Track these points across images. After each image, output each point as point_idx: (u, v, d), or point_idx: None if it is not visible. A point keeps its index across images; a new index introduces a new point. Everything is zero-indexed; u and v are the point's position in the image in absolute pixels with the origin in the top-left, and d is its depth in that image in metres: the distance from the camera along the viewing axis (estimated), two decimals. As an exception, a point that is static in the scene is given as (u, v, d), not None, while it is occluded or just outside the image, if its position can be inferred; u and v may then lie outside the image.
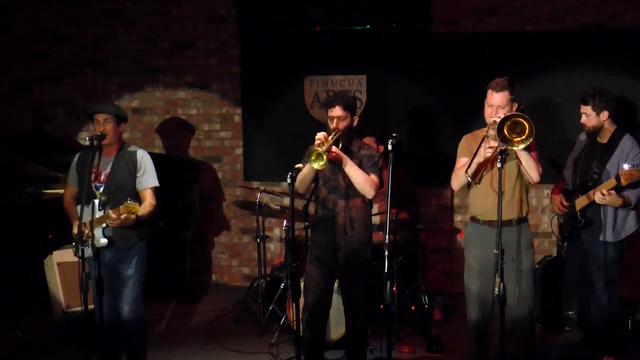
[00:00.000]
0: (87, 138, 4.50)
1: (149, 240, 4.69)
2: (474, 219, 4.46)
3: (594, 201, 4.75)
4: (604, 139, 4.89)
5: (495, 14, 6.52)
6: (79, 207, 4.58)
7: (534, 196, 6.43)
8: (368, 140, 5.36)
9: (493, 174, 4.21)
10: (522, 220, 4.38)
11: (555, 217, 5.26)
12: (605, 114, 4.83)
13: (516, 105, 4.29)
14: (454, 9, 6.55)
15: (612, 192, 4.61)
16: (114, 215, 4.34)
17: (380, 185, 4.45)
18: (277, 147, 6.96)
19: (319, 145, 4.23)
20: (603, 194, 4.61)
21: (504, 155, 4.03)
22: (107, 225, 4.45)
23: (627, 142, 4.82)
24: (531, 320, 4.44)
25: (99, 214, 4.44)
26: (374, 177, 4.42)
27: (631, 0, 6.27)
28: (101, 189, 4.50)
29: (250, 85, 6.99)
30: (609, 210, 4.79)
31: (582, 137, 5.09)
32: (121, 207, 4.32)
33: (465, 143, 4.46)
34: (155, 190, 4.63)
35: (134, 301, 4.57)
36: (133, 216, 4.36)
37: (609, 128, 4.87)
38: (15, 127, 7.24)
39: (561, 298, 5.63)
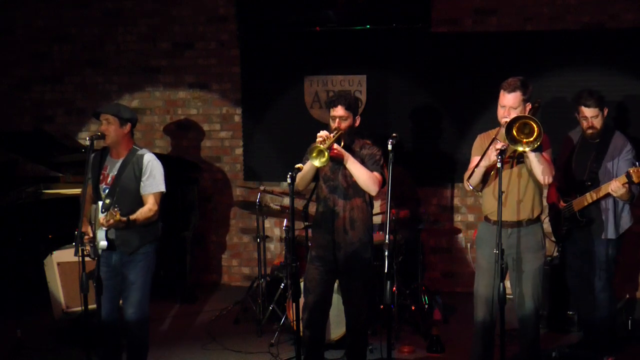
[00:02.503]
0: (88, 138, 4.50)
1: (157, 244, 4.66)
2: (486, 218, 4.47)
3: (595, 200, 4.76)
4: (595, 137, 4.90)
5: (495, 14, 6.52)
6: (93, 206, 4.58)
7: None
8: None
9: (505, 175, 4.20)
10: (533, 221, 4.36)
11: (547, 218, 5.25)
12: (606, 110, 4.86)
13: (530, 105, 4.28)
14: (454, 9, 6.55)
15: (626, 185, 4.61)
16: (101, 220, 4.34)
17: (383, 183, 4.45)
18: (277, 147, 6.96)
19: (320, 142, 4.23)
20: (614, 189, 4.61)
21: (503, 154, 4.03)
22: (109, 228, 4.44)
23: (618, 138, 4.86)
24: (536, 320, 4.44)
25: (101, 216, 4.43)
26: (376, 173, 4.42)
27: (631, 0, 6.27)
28: (106, 191, 4.50)
29: (250, 85, 6.99)
30: (609, 207, 4.80)
31: (571, 137, 5.10)
32: (107, 213, 4.31)
33: (480, 142, 4.46)
34: (161, 195, 4.59)
35: (137, 304, 4.56)
36: (124, 219, 4.33)
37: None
38: (15, 127, 7.24)
39: (567, 298, 5.62)
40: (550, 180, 4.21)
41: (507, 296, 4.08)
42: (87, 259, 4.34)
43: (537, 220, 4.40)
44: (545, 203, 5.29)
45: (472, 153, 4.49)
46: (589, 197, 4.79)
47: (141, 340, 4.68)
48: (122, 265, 4.55)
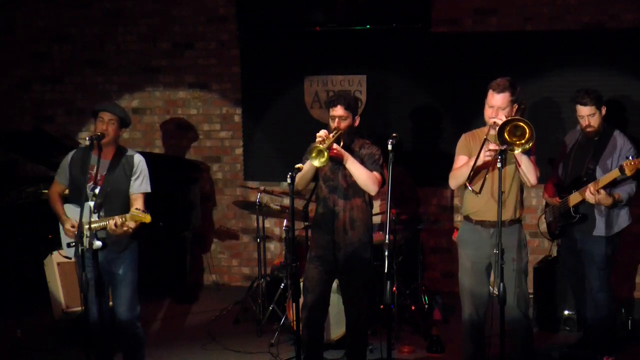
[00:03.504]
0: (87, 138, 4.50)
1: (140, 239, 4.68)
2: (467, 218, 4.49)
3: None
4: (594, 136, 4.91)
5: (495, 14, 6.52)
6: (66, 205, 4.61)
7: (534, 196, 6.43)
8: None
9: (492, 176, 4.21)
10: (515, 221, 4.39)
11: (543, 216, 5.26)
12: (604, 109, 4.85)
13: (517, 106, 4.29)
14: (454, 9, 6.55)
15: (602, 190, 4.64)
16: (114, 224, 4.33)
17: (383, 182, 4.45)
18: (277, 147, 6.96)
19: (320, 142, 4.23)
20: (592, 193, 4.63)
21: (503, 155, 4.03)
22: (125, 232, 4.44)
23: (618, 137, 4.87)
24: (527, 319, 4.45)
25: (93, 216, 4.43)
26: (376, 173, 4.42)
27: (631, 0, 6.26)
28: (96, 191, 4.49)
29: (250, 85, 6.99)
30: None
31: (570, 136, 5.11)
32: (128, 215, 4.32)
33: (464, 142, 4.47)
34: (147, 196, 4.62)
35: (129, 301, 4.58)
36: (130, 230, 4.37)
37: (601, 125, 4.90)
38: (15, 127, 7.24)
39: (557, 297, 5.63)
40: (536, 182, 4.23)
41: (492, 295, 4.10)
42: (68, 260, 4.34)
43: (519, 220, 4.43)
44: (531, 203, 5.31)
45: (456, 152, 4.49)
46: (579, 195, 4.80)
47: (137, 337, 4.69)
48: (110, 263, 4.56)
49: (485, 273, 4.40)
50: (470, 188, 4.24)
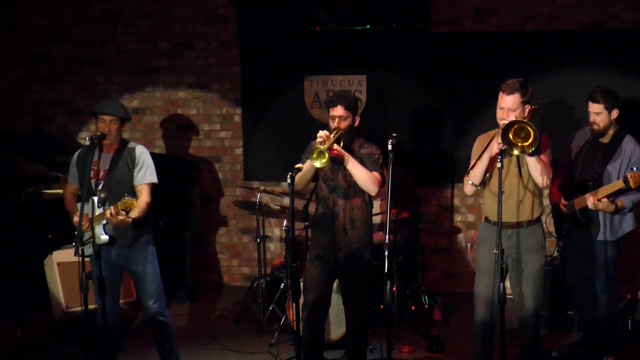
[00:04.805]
0: (88, 138, 4.51)
1: (152, 232, 4.69)
2: (486, 219, 4.47)
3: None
4: (605, 138, 4.88)
5: (495, 14, 6.52)
6: (79, 204, 4.60)
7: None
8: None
9: (504, 175, 4.19)
10: (532, 222, 4.35)
11: (550, 215, 5.25)
12: (615, 112, 4.82)
13: (529, 107, 4.26)
14: (454, 9, 6.55)
15: (603, 199, 4.63)
16: (109, 214, 4.34)
17: (383, 182, 4.45)
18: (277, 147, 6.96)
19: (320, 143, 4.23)
20: (593, 203, 4.63)
21: (503, 155, 4.02)
22: (107, 222, 4.45)
23: (629, 143, 4.81)
24: (536, 321, 4.43)
25: (98, 211, 4.44)
26: (376, 174, 4.42)
27: (631, 0, 6.27)
28: (100, 186, 4.50)
29: (250, 85, 6.99)
30: None
31: (580, 135, 5.09)
32: (119, 203, 4.32)
33: (479, 144, 4.43)
34: (153, 186, 4.62)
35: (156, 294, 4.61)
36: (129, 219, 4.37)
37: (612, 128, 4.87)
38: (15, 127, 7.24)
39: (567, 298, 5.62)
40: (548, 183, 4.20)
41: (507, 296, 4.08)
42: (87, 259, 4.35)
43: (538, 221, 4.39)
44: (546, 203, 5.31)
45: (472, 155, 4.46)
46: (584, 200, 4.78)
47: (167, 329, 4.70)
48: (125, 260, 4.57)
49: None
50: (470, 182, 4.21)
